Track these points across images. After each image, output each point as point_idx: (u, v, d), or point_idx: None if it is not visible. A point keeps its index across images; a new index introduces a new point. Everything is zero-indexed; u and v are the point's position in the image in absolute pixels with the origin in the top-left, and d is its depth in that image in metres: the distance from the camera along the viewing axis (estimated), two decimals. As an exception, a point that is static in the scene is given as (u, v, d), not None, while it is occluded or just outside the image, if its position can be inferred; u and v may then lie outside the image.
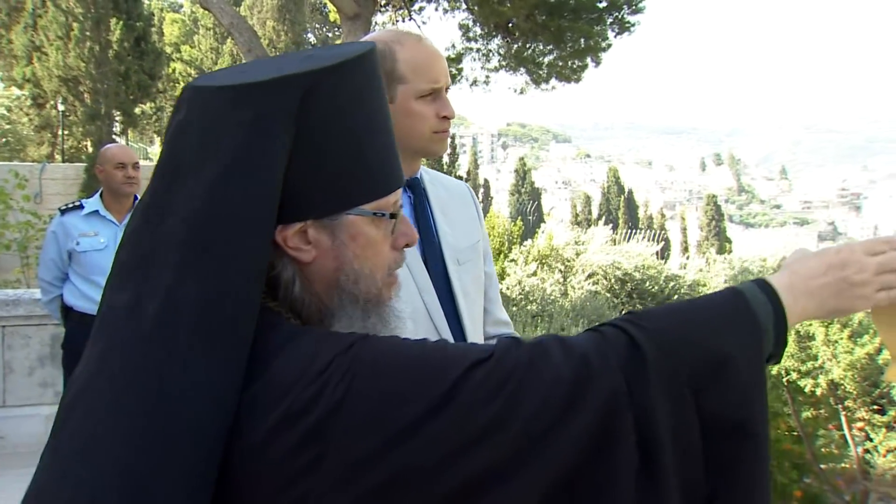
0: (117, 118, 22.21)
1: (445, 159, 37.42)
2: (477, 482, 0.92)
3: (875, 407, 15.34)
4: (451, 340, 1.93)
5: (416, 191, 2.06)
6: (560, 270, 17.24)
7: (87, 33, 18.54)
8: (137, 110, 25.34)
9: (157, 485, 0.90)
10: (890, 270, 1.15)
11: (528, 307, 14.12)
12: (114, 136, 22.31)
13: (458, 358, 0.98)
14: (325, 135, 1.04)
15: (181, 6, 45.34)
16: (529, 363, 0.97)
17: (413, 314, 1.88)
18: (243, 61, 25.28)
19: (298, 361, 0.96)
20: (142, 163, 5.10)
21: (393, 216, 1.12)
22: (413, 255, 1.94)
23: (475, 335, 2.07)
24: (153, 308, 0.96)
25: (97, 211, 4.61)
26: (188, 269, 0.97)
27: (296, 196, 1.02)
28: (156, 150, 19.92)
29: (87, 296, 4.54)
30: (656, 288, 18.43)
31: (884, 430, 15.16)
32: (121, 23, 19.59)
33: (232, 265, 0.97)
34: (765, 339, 1.07)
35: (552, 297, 15.30)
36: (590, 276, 17.43)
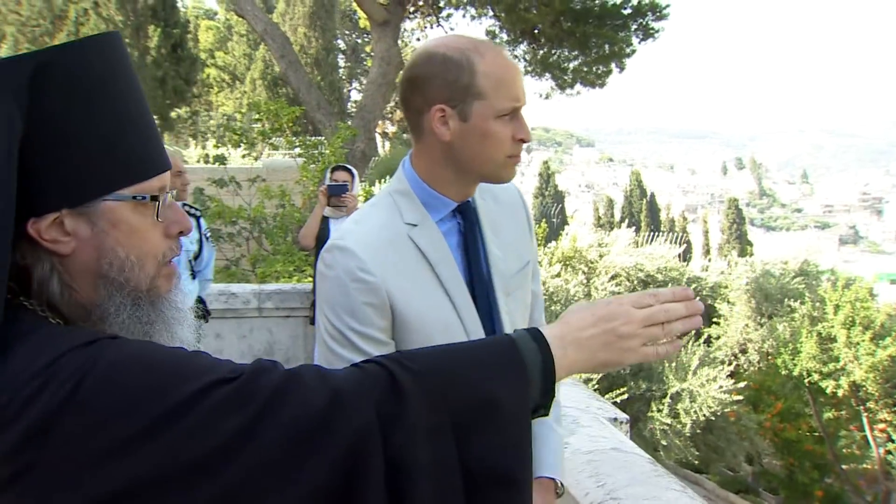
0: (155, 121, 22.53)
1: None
2: None
3: (896, 408, 15.19)
4: None
5: (468, 216, 1.83)
6: (583, 272, 17.19)
7: (127, 40, 18.75)
8: (173, 114, 25.54)
9: None
10: (655, 324, 1.14)
11: (552, 308, 14.10)
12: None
13: (204, 371, 0.90)
14: (66, 117, 0.96)
15: (216, 14, 45.64)
16: (279, 388, 0.91)
17: None
18: (276, 67, 25.49)
19: (26, 356, 0.87)
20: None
21: (154, 199, 1.04)
22: (461, 292, 1.76)
23: None
24: None
25: None
26: None
27: (45, 184, 0.95)
28: (191, 152, 20.08)
29: None
30: (679, 289, 18.32)
31: (905, 431, 15.01)
32: (158, 30, 19.82)
33: None
34: (530, 388, 1.03)
35: (576, 298, 15.28)
36: (613, 277, 17.36)
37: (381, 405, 0.93)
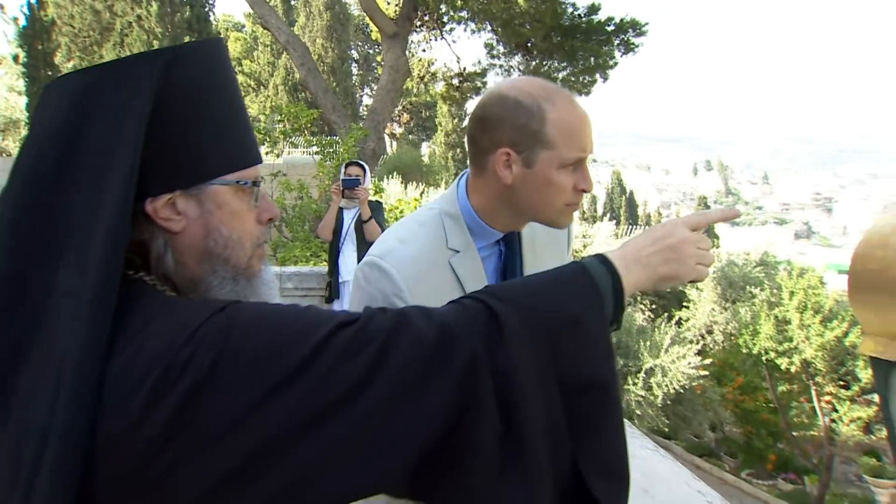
0: (188, 121, 22.58)
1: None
2: (345, 439, 0.84)
3: (841, 383, 15.28)
4: None
5: (511, 244, 1.68)
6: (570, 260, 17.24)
7: (165, 49, 18.94)
8: (205, 115, 25.56)
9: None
10: (704, 248, 1.15)
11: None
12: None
13: (326, 319, 0.90)
14: (186, 108, 0.96)
15: (244, 26, 45.48)
16: (393, 327, 0.90)
17: None
18: (297, 74, 25.41)
19: (170, 328, 0.86)
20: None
21: (255, 184, 1.04)
22: None
23: None
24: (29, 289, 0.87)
25: None
26: (51, 249, 0.88)
27: (162, 168, 0.94)
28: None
29: None
30: (652, 276, 18.41)
31: (848, 402, 15.09)
32: (193, 40, 19.82)
33: (90, 239, 0.87)
34: (605, 304, 1.04)
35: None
36: (594, 264, 17.39)
37: (484, 333, 0.93)
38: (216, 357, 0.83)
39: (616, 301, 1.06)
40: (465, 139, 1.66)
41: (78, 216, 0.88)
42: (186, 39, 19.25)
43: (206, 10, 21.94)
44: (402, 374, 0.87)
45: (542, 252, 1.72)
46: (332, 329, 0.88)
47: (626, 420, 2.71)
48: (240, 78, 37.30)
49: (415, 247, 1.57)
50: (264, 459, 0.81)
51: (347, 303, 1.53)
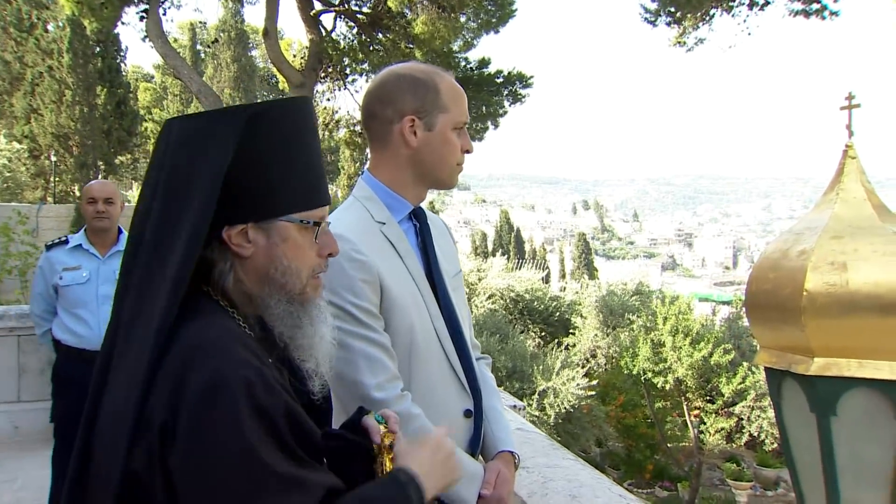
0: (101, 167, 21.73)
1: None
2: None
3: (708, 398, 15.95)
4: (458, 364, 1.72)
5: (422, 220, 1.78)
6: (465, 292, 17.38)
7: (78, 98, 18.11)
8: (117, 161, 24.65)
9: None
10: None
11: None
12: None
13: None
14: (264, 154, 1.05)
15: (153, 77, 44.31)
16: None
17: (426, 339, 1.65)
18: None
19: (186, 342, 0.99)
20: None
21: (316, 224, 1.13)
22: (423, 282, 1.69)
23: (471, 356, 1.80)
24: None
25: (81, 245, 3.83)
26: (152, 261, 1.03)
27: (240, 202, 1.05)
28: (134, 193, 19.38)
29: (71, 330, 3.74)
30: (542, 306, 18.80)
31: (713, 415, 15.74)
32: (105, 90, 19.14)
33: (174, 249, 1.02)
34: None
35: (460, 314, 15.38)
36: (489, 296, 17.63)
37: None
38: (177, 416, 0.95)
39: None
40: (362, 122, 1.76)
41: (169, 233, 1.03)
42: (98, 89, 18.63)
43: (118, 61, 21.30)
44: None
45: (440, 241, 1.82)
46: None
47: (545, 434, 2.79)
48: (150, 125, 36.20)
49: (348, 220, 1.65)
50: None
51: None
